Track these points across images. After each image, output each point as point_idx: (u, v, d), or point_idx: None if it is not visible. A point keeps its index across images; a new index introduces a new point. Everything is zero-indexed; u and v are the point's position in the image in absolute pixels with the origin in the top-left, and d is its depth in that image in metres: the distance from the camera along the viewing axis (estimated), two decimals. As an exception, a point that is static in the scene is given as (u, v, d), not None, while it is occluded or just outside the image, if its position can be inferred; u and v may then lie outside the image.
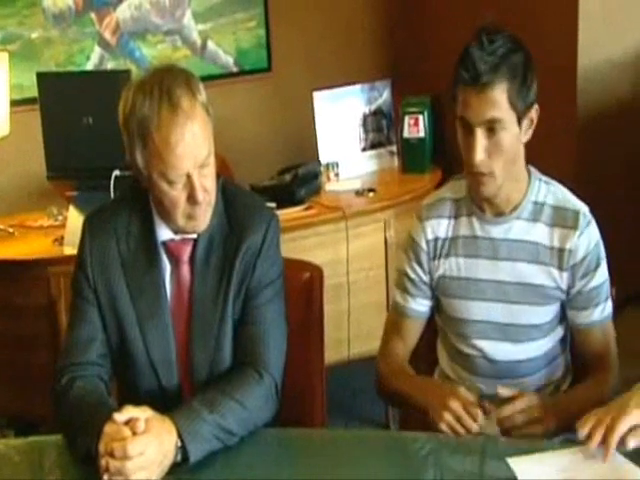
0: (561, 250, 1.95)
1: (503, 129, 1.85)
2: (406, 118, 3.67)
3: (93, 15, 3.90)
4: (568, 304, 2.00)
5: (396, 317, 2.11)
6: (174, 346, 1.90)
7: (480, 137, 1.85)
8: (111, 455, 1.57)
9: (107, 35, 3.95)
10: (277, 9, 4.13)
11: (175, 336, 1.90)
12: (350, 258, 3.33)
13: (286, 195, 3.39)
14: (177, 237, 1.89)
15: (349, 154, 3.71)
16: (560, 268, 1.96)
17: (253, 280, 1.90)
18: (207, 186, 1.80)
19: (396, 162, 3.79)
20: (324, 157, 3.65)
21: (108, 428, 1.61)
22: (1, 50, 3.58)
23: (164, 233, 1.89)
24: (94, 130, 3.13)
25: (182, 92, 1.75)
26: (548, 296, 1.98)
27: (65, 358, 1.87)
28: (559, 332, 2.05)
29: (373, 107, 3.76)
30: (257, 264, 1.90)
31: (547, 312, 1.99)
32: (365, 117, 3.75)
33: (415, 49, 4.26)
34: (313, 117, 3.66)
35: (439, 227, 2.03)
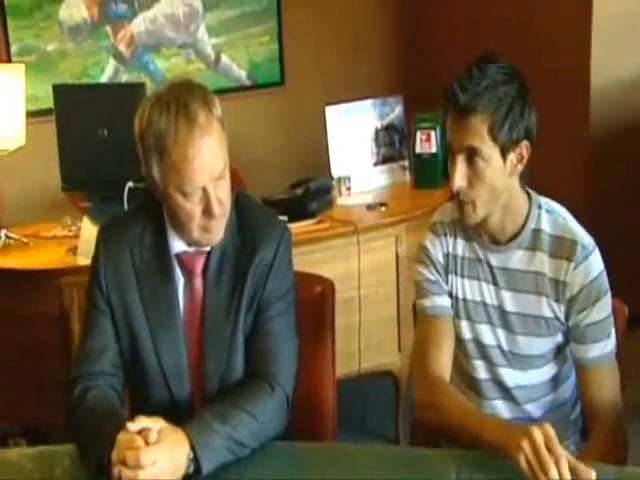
0: (556, 281, 1.91)
1: (482, 160, 1.83)
2: (418, 133, 3.68)
3: (108, 28, 3.94)
4: (568, 335, 1.95)
5: (426, 325, 2.02)
6: (186, 357, 1.91)
7: (460, 164, 1.85)
8: (124, 464, 1.58)
9: (122, 48, 3.99)
10: (290, 24, 4.16)
11: (187, 347, 1.92)
12: (361, 272, 3.34)
13: (298, 209, 3.40)
14: (190, 249, 1.91)
15: (361, 168, 3.72)
16: (557, 300, 1.92)
17: (265, 293, 1.91)
18: (222, 199, 1.82)
19: (408, 177, 3.80)
20: (336, 171, 3.66)
21: (121, 437, 1.62)
22: (17, 62, 3.63)
23: (177, 245, 1.91)
24: (108, 142, 3.16)
25: (199, 106, 1.76)
26: (550, 327, 1.94)
27: (78, 368, 1.89)
28: (565, 358, 2.00)
29: (385, 122, 3.77)
30: (269, 278, 1.91)
31: (550, 342, 1.96)
32: (377, 132, 3.76)
33: (427, 65, 4.28)
34: (325, 131, 3.67)
35: (448, 243, 2.03)
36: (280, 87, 4.25)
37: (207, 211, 1.81)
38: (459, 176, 1.85)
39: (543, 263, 1.92)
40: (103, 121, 3.16)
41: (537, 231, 1.92)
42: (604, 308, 1.91)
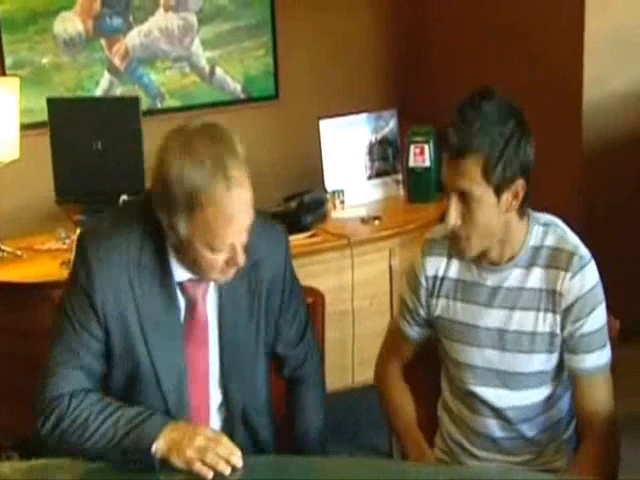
0: (553, 292, 1.90)
1: (475, 201, 1.82)
2: (412, 147, 3.69)
3: (103, 41, 3.95)
4: (563, 349, 1.93)
5: (393, 335, 2.17)
6: (187, 386, 1.89)
7: (454, 203, 1.85)
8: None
9: (116, 61, 4.00)
10: (285, 38, 4.18)
11: (188, 370, 1.89)
12: (355, 285, 3.34)
13: (292, 222, 3.40)
14: (194, 277, 1.85)
15: (355, 182, 3.73)
16: (554, 311, 1.91)
17: (284, 295, 1.98)
18: (244, 245, 1.78)
19: (401, 191, 3.81)
20: (330, 185, 3.67)
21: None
22: (12, 75, 3.63)
23: (180, 274, 1.84)
24: (103, 155, 3.17)
25: (233, 163, 1.69)
26: (546, 343, 1.92)
27: (57, 387, 1.81)
28: (560, 378, 1.98)
29: (379, 136, 3.78)
30: (284, 282, 1.98)
31: (546, 360, 1.94)
32: (371, 145, 3.78)
33: (421, 79, 4.30)
34: (319, 145, 3.68)
35: (439, 265, 2.01)
36: (274, 101, 4.26)
37: (232, 261, 1.77)
38: (453, 215, 1.85)
39: (538, 277, 1.91)
40: (97, 134, 3.17)
41: (536, 248, 1.92)
42: (599, 319, 1.90)
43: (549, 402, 1.99)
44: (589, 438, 1.92)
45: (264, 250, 1.92)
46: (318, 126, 3.68)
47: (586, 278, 1.88)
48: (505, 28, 3.86)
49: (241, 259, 1.77)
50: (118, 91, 4.01)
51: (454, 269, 2.00)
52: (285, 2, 4.16)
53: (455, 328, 2.00)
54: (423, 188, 3.70)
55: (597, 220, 3.49)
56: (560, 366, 1.95)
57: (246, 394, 1.96)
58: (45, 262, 3.15)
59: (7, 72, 3.70)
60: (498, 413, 1.99)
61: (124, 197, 2.97)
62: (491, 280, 1.95)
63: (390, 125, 3.80)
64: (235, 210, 1.70)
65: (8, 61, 3.72)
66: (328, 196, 3.63)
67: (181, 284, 1.86)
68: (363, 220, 3.53)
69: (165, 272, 1.84)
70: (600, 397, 1.92)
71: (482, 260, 1.95)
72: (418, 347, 2.14)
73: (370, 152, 3.78)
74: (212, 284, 1.89)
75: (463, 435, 2.06)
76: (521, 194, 1.85)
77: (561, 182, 3.41)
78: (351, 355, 3.35)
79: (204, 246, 1.73)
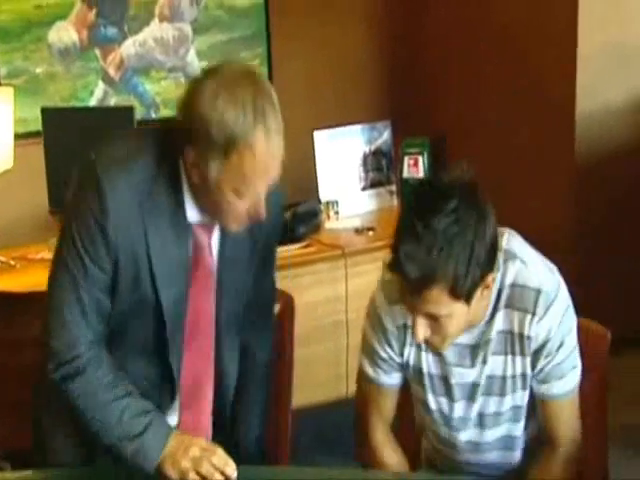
0: (521, 336, 1.78)
1: (444, 317, 1.68)
2: (406, 159, 3.72)
3: (97, 51, 3.95)
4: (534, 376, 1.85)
5: (369, 389, 1.97)
6: (186, 328, 1.86)
7: (420, 321, 1.70)
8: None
9: (111, 71, 4.00)
10: (280, 49, 4.18)
11: (189, 313, 1.86)
12: (349, 296, 3.35)
13: (286, 232, 3.40)
14: (205, 220, 1.82)
15: (349, 193, 3.74)
16: (522, 354, 1.80)
17: (273, 245, 2.01)
18: (264, 213, 1.76)
19: (395, 201, 3.82)
20: (324, 195, 3.68)
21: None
22: (6, 84, 3.63)
23: (192, 215, 1.80)
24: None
25: (273, 113, 1.71)
26: (518, 384, 1.84)
27: (71, 337, 1.78)
28: (524, 413, 1.90)
29: (373, 147, 3.80)
30: (273, 246, 2.01)
31: (520, 397, 1.86)
32: (365, 157, 3.79)
33: (415, 91, 4.31)
34: (314, 156, 3.69)
35: (400, 313, 1.84)
36: (269, 111, 4.26)
37: (254, 211, 1.74)
38: (421, 332, 1.71)
39: (502, 319, 1.78)
40: (92, 144, 3.16)
41: (500, 289, 1.77)
42: (569, 345, 1.81)
43: (509, 438, 1.92)
44: (553, 457, 1.86)
45: (267, 209, 1.87)
46: (312, 137, 3.69)
47: (553, 317, 1.77)
48: (498, 40, 3.88)
49: (263, 211, 1.74)
50: (113, 101, 4.00)
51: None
52: (280, 14, 4.17)
53: (426, 378, 1.89)
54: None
55: (589, 231, 3.49)
56: (528, 402, 1.88)
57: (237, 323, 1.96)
58: (38, 272, 3.13)
59: (1, 81, 3.69)
60: (476, 446, 1.93)
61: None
62: (460, 338, 1.80)
63: (384, 136, 3.82)
64: (270, 160, 1.71)
65: (2, 70, 3.71)
66: (322, 207, 3.65)
67: (189, 225, 1.82)
68: (357, 231, 3.54)
69: (177, 211, 1.78)
70: (568, 419, 1.86)
71: None
72: (398, 393, 1.97)
73: (364, 163, 3.79)
74: (217, 232, 1.86)
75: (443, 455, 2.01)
76: (492, 284, 1.72)
77: (554, 193, 3.41)
78: (345, 366, 3.35)
79: (232, 191, 1.70)
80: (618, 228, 3.70)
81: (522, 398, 1.86)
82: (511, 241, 1.80)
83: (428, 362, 1.87)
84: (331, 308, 3.28)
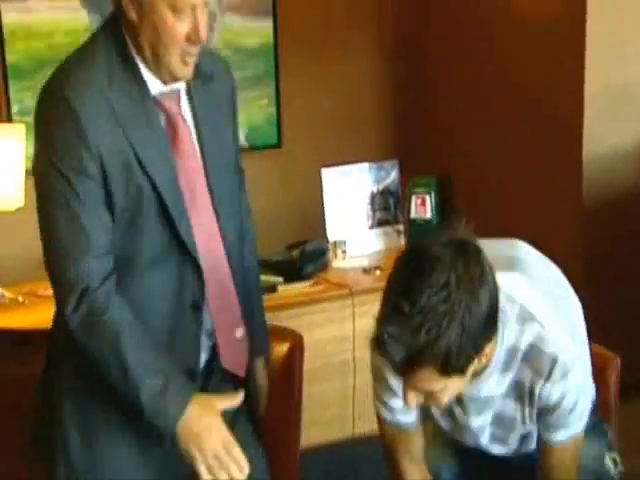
0: (531, 393, 1.74)
1: (437, 391, 1.62)
2: (413, 198, 3.73)
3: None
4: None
5: (391, 430, 1.93)
6: (188, 209, 1.86)
7: (411, 393, 1.65)
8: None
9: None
10: (288, 89, 4.22)
11: (185, 192, 1.85)
12: (356, 335, 3.34)
13: (293, 271, 3.43)
14: (166, 89, 1.84)
15: (356, 231, 3.75)
16: (531, 406, 1.78)
17: (235, 123, 2.04)
18: (206, 27, 1.77)
19: (403, 241, 3.83)
20: (332, 234, 3.69)
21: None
22: (18, 122, 3.66)
23: (154, 86, 1.82)
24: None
25: None
26: (526, 422, 1.82)
27: (86, 256, 1.74)
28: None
29: (381, 186, 3.82)
30: (235, 108, 2.03)
31: (526, 428, 1.85)
32: (373, 195, 3.81)
33: (423, 130, 4.34)
34: (321, 194, 3.71)
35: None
36: (277, 149, 4.28)
37: (194, 33, 1.75)
38: (413, 402, 1.65)
39: (519, 371, 1.73)
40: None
41: (512, 348, 1.71)
42: (580, 407, 1.77)
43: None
44: None
45: (214, 69, 1.95)
46: (320, 175, 3.71)
47: (568, 387, 1.72)
48: (505, 80, 3.91)
49: (203, 32, 1.75)
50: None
51: None
52: (289, 55, 4.22)
53: (436, 416, 1.91)
54: (424, 239, 3.72)
55: (597, 275, 3.49)
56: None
57: (235, 219, 1.97)
58: (47, 308, 3.08)
59: (14, 119, 3.73)
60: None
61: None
62: (465, 390, 1.73)
63: (392, 175, 3.84)
64: None
65: (14, 108, 3.75)
66: (330, 245, 3.66)
67: (155, 99, 1.83)
68: (365, 270, 3.54)
69: (139, 85, 1.80)
70: (568, 464, 1.83)
71: None
72: (421, 428, 1.95)
73: (372, 202, 3.81)
74: (183, 96, 1.88)
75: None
76: (490, 353, 1.64)
77: (562, 236, 3.42)
78: (352, 406, 3.34)
79: (166, 6, 1.71)
80: (626, 273, 3.69)
81: (533, 428, 1.85)
82: (530, 304, 1.70)
83: (435, 410, 1.88)
84: (338, 347, 3.28)
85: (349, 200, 3.75)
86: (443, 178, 3.88)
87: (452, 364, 1.53)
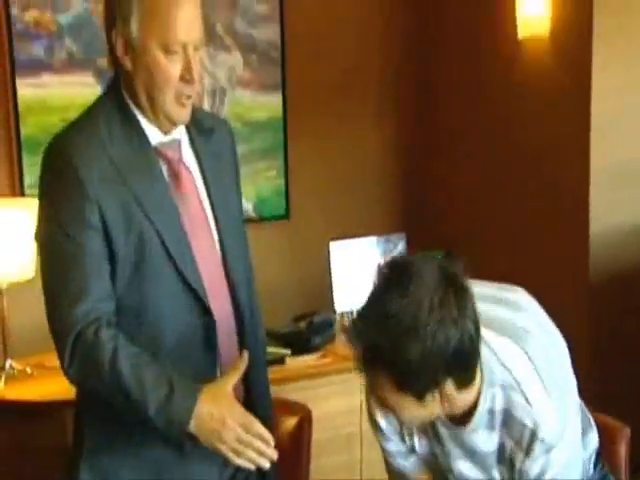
0: (511, 461, 1.70)
1: (395, 406, 1.62)
2: (420, 270, 3.74)
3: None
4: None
5: (397, 472, 1.92)
6: (195, 259, 1.87)
7: (373, 401, 1.72)
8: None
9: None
10: (297, 161, 4.29)
11: (192, 241, 1.88)
12: (364, 408, 3.31)
13: (301, 342, 3.43)
14: (166, 139, 1.88)
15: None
16: (511, 473, 1.73)
17: (237, 179, 2.09)
18: (199, 70, 1.83)
19: (410, 313, 3.83)
20: (339, 306, 3.71)
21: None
22: (31, 195, 3.72)
23: (154, 135, 1.87)
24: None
25: None
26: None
27: (81, 302, 1.75)
28: None
29: (388, 258, 3.84)
30: (236, 167, 2.08)
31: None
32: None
33: (429, 205, 4.39)
34: (329, 266, 3.74)
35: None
36: (285, 221, 4.33)
37: (187, 72, 1.80)
38: (378, 414, 1.72)
39: (500, 438, 1.70)
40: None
41: (491, 412, 1.69)
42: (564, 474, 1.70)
43: None
44: None
45: (215, 123, 2.02)
46: (328, 247, 3.74)
47: (551, 463, 1.66)
48: (512, 154, 3.96)
49: (196, 71, 1.81)
50: (132, 210, 4.09)
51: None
52: (297, 128, 4.29)
53: (426, 458, 1.87)
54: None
55: (604, 350, 3.49)
56: None
57: (242, 265, 1.99)
58: (55, 380, 3.12)
59: (25, 191, 3.78)
60: None
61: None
62: (452, 441, 1.76)
63: (399, 248, 3.87)
64: (185, 3, 1.78)
65: (27, 180, 3.81)
66: (337, 317, 3.67)
67: (156, 149, 1.86)
68: (372, 342, 3.54)
69: (139, 136, 1.84)
70: None
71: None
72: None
73: (379, 274, 3.82)
74: (186, 146, 1.92)
75: None
76: (454, 393, 1.60)
77: (568, 312, 3.41)
78: (359, 478, 3.32)
79: (157, 46, 1.78)
80: (633, 349, 3.67)
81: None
82: (518, 372, 1.68)
83: (422, 446, 1.83)
84: (346, 420, 3.27)
85: (356, 272, 3.77)
86: (450, 253, 3.90)
87: (406, 382, 1.55)
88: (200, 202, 1.93)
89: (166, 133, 1.89)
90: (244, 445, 1.73)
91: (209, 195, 1.94)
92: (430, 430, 1.80)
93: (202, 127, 1.97)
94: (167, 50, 1.79)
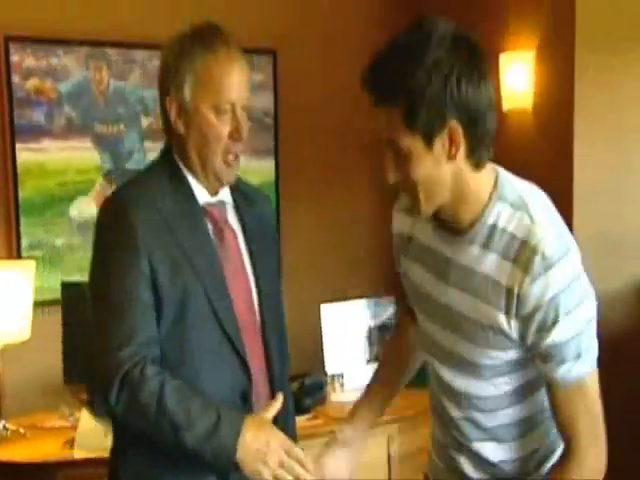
0: (508, 291, 1.62)
1: (404, 153, 1.60)
2: (410, 333, 3.81)
3: (116, 224, 4.13)
4: (531, 352, 1.68)
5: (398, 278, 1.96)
6: (235, 310, 1.96)
7: (388, 156, 1.63)
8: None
9: (127, 242, 4.16)
10: (288, 226, 4.37)
11: (233, 296, 1.96)
12: (352, 470, 3.35)
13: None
14: (213, 200, 2.00)
15: (354, 366, 3.81)
16: (507, 313, 1.64)
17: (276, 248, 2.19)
18: (246, 130, 1.95)
19: (400, 375, 3.88)
20: (330, 368, 3.75)
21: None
22: (27, 256, 3.79)
23: (202, 196, 1.98)
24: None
25: (231, 39, 1.95)
26: (493, 340, 1.68)
27: (129, 345, 1.82)
28: (524, 374, 1.74)
29: (378, 321, 3.91)
30: (274, 236, 2.19)
31: (498, 355, 1.71)
32: (370, 330, 3.89)
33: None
34: (320, 328, 3.79)
35: (403, 222, 1.87)
36: (277, 283, 4.39)
37: (235, 131, 1.93)
38: (390, 170, 1.64)
39: (494, 265, 1.65)
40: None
41: (494, 227, 1.65)
42: (571, 326, 1.62)
43: (511, 399, 1.77)
44: (565, 456, 1.71)
45: (257, 196, 2.15)
46: (319, 310, 3.80)
47: (550, 283, 1.58)
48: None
49: (244, 129, 1.93)
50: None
51: (419, 230, 1.82)
52: (289, 193, 4.39)
53: (416, 291, 1.85)
54: (421, 375, 3.76)
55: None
56: (519, 364, 1.73)
57: (278, 324, 2.11)
58: (48, 441, 3.17)
59: (22, 252, 3.85)
60: (452, 396, 1.83)
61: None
62: (448, 251, 1.72)
63: (389, 311, 3.93)
64: (235, 67, 1.92)
65: (24, 242, 3.88)
66: (328, 379, 3.71)
67: (204, 209, 1.98)
68: (362, 404, 3.58)
69: (188, 196, 1.96)
70: (576, 412, 1.67)
71: (441, 227, 1.74)
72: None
73: (369, 336, 3.88)
74: (230, 210, 2.04)
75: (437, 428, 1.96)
76: (461, 140, 1.59)
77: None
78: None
79: (208, 107, 1.91)
80: (620, 405, 3.72)
81: (496, 358, 1.71)
82: (527, 195, 1.68)
83: (415, 272, 1.83)
84: (336, 482, 3.28)
85: (347, 334, 3.83)
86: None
87: (415, 112, 1.55)
88: (242, 261, 2.04)
89: (213, 194, 2.01)
90: (286, 470, 1.82)
91: (251, 255, 2.05)
92: (428, 257, 1.79)
93: (246, 194, 2.11)
94: (217, 110, 1.92)
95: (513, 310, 1.63)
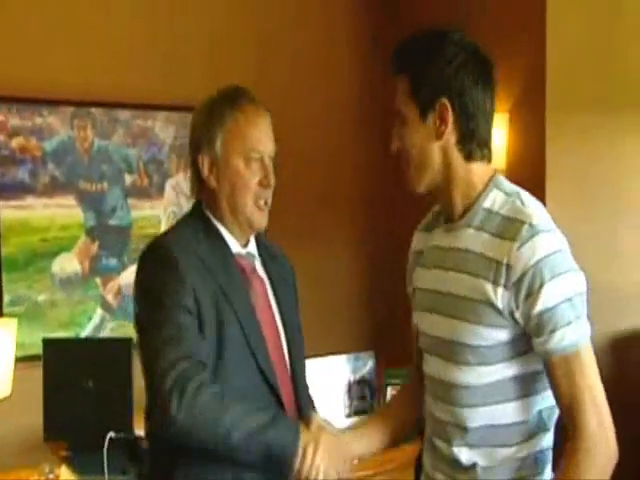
0: (498, 263, 1.72)
1: (404, 121, 1.83)
2: (389, 389, 3.85)
3: (98, 280, 4.17)
4: (525, 329, 1.73)
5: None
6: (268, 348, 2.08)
7: (396, 125, 1.86)
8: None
9: (109, 298, 4.20)
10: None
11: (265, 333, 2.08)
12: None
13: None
14: (243, 251, 2.12)
15: (333, 420, 3.83)
16: (495, 283, 1.72)
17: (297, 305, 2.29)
18: (274, 177, 2.09)
19: (379, 429, 3.90)
20: (310, 423, 3.77)
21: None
22: (9, 312, 3.81)
23: (233, 245, 2.11)
24: (93, 393, 3.27)
25: (254, 97, 2.11)
26: (483, 314, 1.74)
27: (184, 359, 1.90)
28: (513, 367, 1.78)
29: (357, 376, 3.94)
30: (297, 294, 2.30)
31: (487, 334, 1.75)
32: (350, 385, 3.92)
33: (398, 324, 4.51)
34: (300, 383, 3.81)
35: (418, 240, 2.05)
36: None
37: (264, 178, 2.07)
38: (394, 140, 1.85)
39: (487, 243, 1.76)
40: (89, 373, 3.29)
41: (489, 212, 1.80)
42: (557, 291, 1.69)
43: (502, 387, 1.79)
44: (570, 436, 1.71)
45: (278, 253, 2.28)
46: (299, 365, 3.83)
47: (536, 247, 1.68)
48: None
49: (272, 177, 2.08)
50: (109, 326, 4.18)
51: (426, 239, 1.98)
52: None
53: (417, 295, 1.99)
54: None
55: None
56: (511, 348, 1.77)
57: (302, 365, 2.25)
58: (29, 497, 3.17)
59: (4, 309, 3.87)
60: (445, 392, 1.87)
61: (112, 434, 3.06)
62: (446, 241, 1.87)
63: (368, 366, 3.96)
64: (262, 121, 2.09)
65: (6, 298, 3.90)
66: (308, 433, 3.72)
67: (234, 257, 2.09)
68: (341, 459, 3.59)
69: (221, 244, 2.09)
70: (575, 383, 1.70)
71: (441, 220, 1.92)
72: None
73: (349, 391, 3.91)
74: (258, 264, 2.15)
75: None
76: (449, 118, 1.79)
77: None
78: None
79: (239, 157, 2.05)
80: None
81: (487, 338, 1.75)
82: (516, 188, 1.85)
83: (418, 276, 1.98)
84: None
85: (326, 389, 3.86)
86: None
87: (418, 85, 1.79)
88: (271, 308, 2.16)
89: (244, 245, 2.14)
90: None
91: (278, 304, 2.18)
92: (432, 256, 1.92)
93: (270, 251, 2.24)
94: (247, 160, 2.06)
95: (502, 280, 1.71)
